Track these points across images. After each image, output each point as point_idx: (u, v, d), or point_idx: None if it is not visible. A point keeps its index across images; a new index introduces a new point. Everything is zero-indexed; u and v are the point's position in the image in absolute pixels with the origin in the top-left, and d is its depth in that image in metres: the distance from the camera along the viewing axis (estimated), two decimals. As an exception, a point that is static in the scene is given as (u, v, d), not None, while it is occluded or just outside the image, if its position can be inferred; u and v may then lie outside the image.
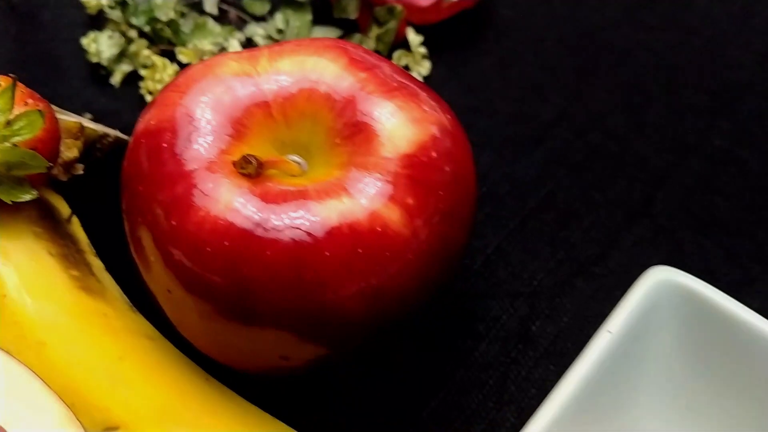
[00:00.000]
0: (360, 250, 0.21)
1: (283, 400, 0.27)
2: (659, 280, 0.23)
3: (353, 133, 0.22)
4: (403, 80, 0.23)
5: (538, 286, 0.31)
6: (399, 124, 0.22)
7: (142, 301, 0.26)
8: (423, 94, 0.23)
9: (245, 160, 0.21)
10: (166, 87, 0.24)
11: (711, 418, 0.24)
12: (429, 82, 0.37)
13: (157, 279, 0.22)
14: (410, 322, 0.26)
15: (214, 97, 0.23)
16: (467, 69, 0.37)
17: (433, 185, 0.22)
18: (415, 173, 0.22)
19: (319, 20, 0.37)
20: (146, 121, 0.23)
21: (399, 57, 0.36)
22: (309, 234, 0.20)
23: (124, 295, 0.26)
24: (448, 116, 0.24)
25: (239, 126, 0.22)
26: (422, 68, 0.36)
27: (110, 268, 0.27)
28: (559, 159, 0.35)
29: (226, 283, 0.21)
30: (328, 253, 0.21)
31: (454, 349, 0.30)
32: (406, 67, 0.36)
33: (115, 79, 0.36)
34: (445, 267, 0.24)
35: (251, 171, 0.21)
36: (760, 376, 0.23)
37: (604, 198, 0.34)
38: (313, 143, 0.23)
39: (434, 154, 0.22)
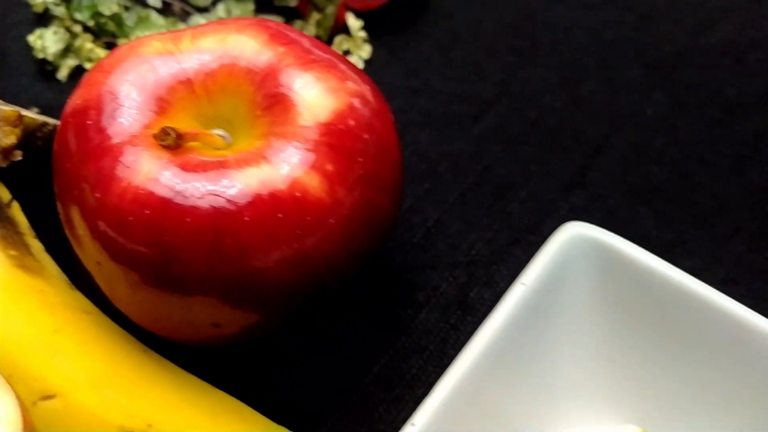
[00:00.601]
0: (280, 215, 0.22)
1: (226, 372, 0.28)
2: (572, 235, 0.24)
3: (272, 105, 0.23)
4: (322, 53, 0.24)
5: (477, 255, 0.32)
6: (316, 94, 0.23)
7: (86, 281, 0.27)
8: (342, 66, 0.24)
9: (164, 131, 0.21)
10: (93, 68, 0.24)
11: (633, 367, 0.25)
12: (371, 65, 0.37)
13: (88, 252, 0.23)
14: (343, 290, 0.27)
15: (137, 76, 0.23)
16: (408, 52, 0.38)
17: (352, 152, 0.23)
18: (333, 141, 0.23)
19: (261, 9, 0.38)
20: (73, 101, 0.24)
21: (340, 42, 0.37)
22: (228, 200, 0.21)
23: (64, 275, 0.27)
24: (368, 87, 0.24)
25: (162, 102, 0.23)
26: (363, 52, 0.37)
27: (52, 251, 0.28)
28: (497, 135, 0.36)
29: (149, 251, 0.21)
30: (247, 218, 0.21)
31: (395, 318, 0.31)
32: (347, 52, 0.37)
33: (62, 74, 0.36)
34: (372, 233, 0.25)
35: (170, 142, 0.21)
36: (676, 323, 0.24)
37: (540, 170, 0.35)
38: (235, 117, 0.24)
39: (352, 123, 0.23)
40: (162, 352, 0.27)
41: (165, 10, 0.38)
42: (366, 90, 0.24)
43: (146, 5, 0.38)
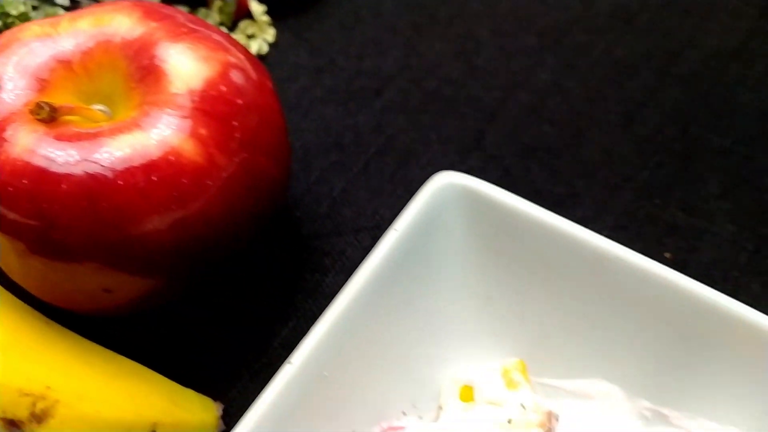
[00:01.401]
0: (154, 178, 0.23)
1: (135, 341, 0.29)
2: (442, 184, 0.25)
3: (145, 76, 0.24)
4: (195, 26, 0.25)
5: (380, 220, 0.34)
6: (187, 63, 0.24)
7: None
8: (214, 37, 0.25)
9: (38, 106, 0.23)
10: (-23, 56, 0.25)
11: (510, 303, 0.26)
12: (276, 48, 0.39)
13: (-23, 227, 0.24)
14: (243, 257, 0.28)
15: (17, 59, 0.25)
16: (311, 33, 0.40)
17: (226, 117, 0.24)
18: (205, 106, 0.24)
19: (165, 1, 0.39)
20: (-42, 87, 0.25)
21: (245, 27, 0.38)
22: (101, 166, 0.22)
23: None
24: (242, 56, 0.26)
25: (42, 82, 0.24)
26: (268, 36, 0.38)
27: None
28: (398, 107, 0.37)
29: (31, 220, 0.23)
30: (121, 183, 0.23)
31: (302, 282, 0.32)
32: (252, 36, 0.38)
33: (-27, 74, 0.37)
34: (258, 196, 0.26)
35: (45, 116, 0.23)
36: (545, 259, 0.25)
37: (439, 137, 0.36)
38: (114, 91, 0.25)
39: (224, 89, 0.24)
40: (71, 327, 0.28)
41: (72, 9, 0.39)
42: (239, 58, 0.25)
43: (54, 4, 0.39)
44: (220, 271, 0.28)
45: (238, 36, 0.38)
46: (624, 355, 0.26)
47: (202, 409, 0.27)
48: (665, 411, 0.25)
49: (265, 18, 0.38)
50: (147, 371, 0.27)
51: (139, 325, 0.30)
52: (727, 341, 0.25)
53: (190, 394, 0.28)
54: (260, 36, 0.38)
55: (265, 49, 0.38)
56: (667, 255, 0.33)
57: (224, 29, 0.38)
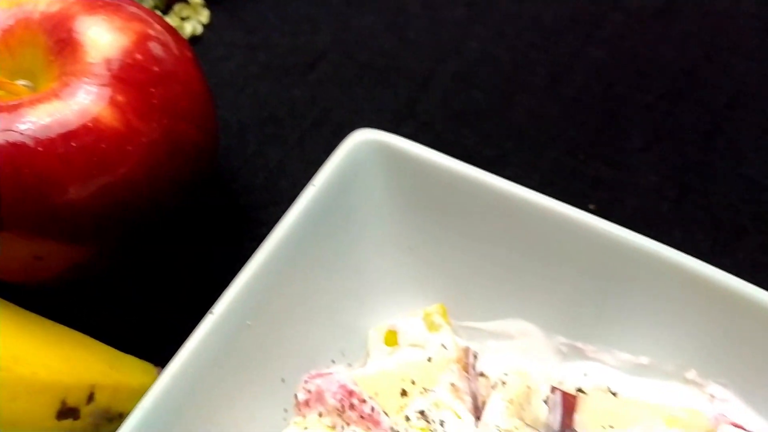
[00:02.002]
0: (73, 144, 0.24)
1: (71, 310, 0.30)
2: (359, 140, 0.26)
3: (63, 48, 0.25)
4: (112, 0, 0.26)
5: (315, 188, 0.35)
6: (102, 34, 0.25)
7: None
8: (130, 9, 0.26)
9: (-41, 80, 0.23)
10: None
11: (432, 253, 0.27)
12: (211, 29, 0.40)
13: None
14: (168, 222, 0.29)
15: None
16: (245, 12, 0.40)
17: (142, 83, 0.25)
18: (122, 74, 0.25)
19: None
20: None
21: (179, 10, 0.39)
22: (21, 134, 0.23)
23: None
24: (159, 27, 0.27)
25: (-35, 61, 0.25)
26: (202, 17, 0.39)
27: None
28: (332, 79, 0.38)
29: (-44, 190, 0.23)
30: (42, 150, 0.23)
31: (241, 251, 0.33)
32: (186, 18, 0.39)
33: None
34: (182, 162, 0.27)
35: (-36, 90, 0.23)
36: (461, 208, 0.27)
37: (372, 107, 0.37)
38: (36, 66, 0.26)
39: (140, 57, 0.25)
40: (8, 298, 0.29)
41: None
42: (155, 29, 0.26)
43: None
44: (157, 240, 0.29)
45: (171, 18, 0.39)
46: (541, 296, 0.27)
47: (141, 373, 0.28)
48: (580, 345, 0.26)
49: (199, 0, 0.39)
50: (85, 338, 0.28)
51: (77, 295, 0.30)
52: (638, 277, 0.26)
53: (129, 359, 0.28)
54: (194, 18, 0.39)
55: (199, 30, 0.39)
56: (591, 206, 0.34)
57: (158, 12, 0.39)
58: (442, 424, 0.23)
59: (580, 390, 0.25)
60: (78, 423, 0.26)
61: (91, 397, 0.26)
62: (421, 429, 0.22)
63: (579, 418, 0.22)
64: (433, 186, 0.27)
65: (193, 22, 0.39)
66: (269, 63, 0.39)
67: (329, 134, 0.36)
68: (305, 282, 0.26)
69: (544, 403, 0.25)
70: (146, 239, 0.28)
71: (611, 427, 0.21)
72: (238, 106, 0.37)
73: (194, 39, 0.39)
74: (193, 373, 0.23)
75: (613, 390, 0.24)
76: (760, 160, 0.36)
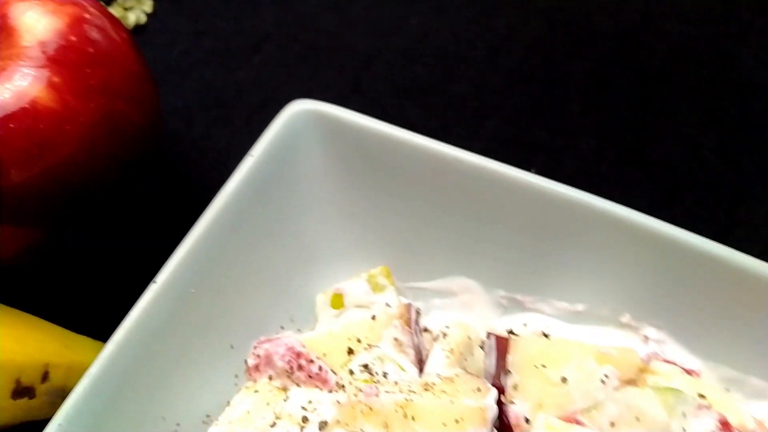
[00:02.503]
0: (12, 126, 0.24)
1: (23, 294, 0.30)
2: (296, 110, 0.27)
3: (-3, 34, 0.25)
4: (45, -14, 0.27)
5: (264, 167, 0.35)
6: (35, 18, 0.25)
7: None
8: (64, -6, 0.27)
9: None
10: None
11: (374, 218, 0.28)
12: (155, 18, 0.40)
13: None
14: (109, 198, 0.29)
15: None
16: (189, 0, 0.41)
17: (77, 64, 0.25)
18: (57, 56, 0.25)
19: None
20: None
21: (123, 1, 0.40)
22: (-42, 118, 0.24)
23: None
24: (93, 10, 0.27)
25: None
26: (145, 6, 0.40)
27: None
28: (277, 61, 0.39)
29: None
30: (-22, 131, 0.24)
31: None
32: (130, 8, 0.39)
33: None
34: (121, 141, 0.27)
35: None
36: (400, 172, 0.27)
37: (319, 86, 0.38)
38: (-26, 54, 0.26)
39: (74, 38, 0.26)
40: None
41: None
42: (90, 12, 0.27)
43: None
44: (104, 222, 0.29)
45: (115, 9, 0.39)
46: (482, 253, 0.28)
47: (94, 352, 0.28)
48: (519, 297, 0.27)
49: (143, -11, 0.40)
50: (37, 320, 0.28)
51: (29, 277, 0.31)
52: (574, 229, 0.27)
53: (81, 338, 0.29)
54: (138, 7, 0.39)
55: (143, 19, 0.39)
56: (533, 170, 0.35)
57: (102, 3, 0.39)
58: (385, 375, 0.23)
59: (511, 332, 0.26)
60: (34, 402, 0.27)
61: (45, 376, 0.27)
62: (365, 381, 0.23)
63: (512, 359, 0.22)
64: (371, 152, 0.27)
65: (137, 11, 0.39)
66: (214, 48, 0.39)
67: (274, 114, 0.37)
68: (249, 250, 0.26)
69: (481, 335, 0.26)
70: (92, 220, 0.28)
71: (543, 366, 0.22)
72: (185, 90, 0.38)
73: (139, 28, 0.39)
74: (140, 340, 0.23)
75: (546, 333, 0.25)
76: (695, 119, 0.37)
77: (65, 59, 0.25)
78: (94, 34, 0.26)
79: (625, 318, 0.26)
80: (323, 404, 0.22)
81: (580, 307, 0.27)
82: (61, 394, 0.28)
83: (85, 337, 0.29)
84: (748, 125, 0.36)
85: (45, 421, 0.23)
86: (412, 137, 0.27)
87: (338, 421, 0.22)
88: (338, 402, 0.22)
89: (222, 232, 0.25)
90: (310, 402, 0.22)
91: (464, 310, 0.27)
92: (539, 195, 0.27)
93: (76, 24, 0.26)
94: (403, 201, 0.28)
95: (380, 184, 0.28)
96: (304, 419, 0.22)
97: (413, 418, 0.21)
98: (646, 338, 0.26)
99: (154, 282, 0.24)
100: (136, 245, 0.33)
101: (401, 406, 0.21)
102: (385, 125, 0.27)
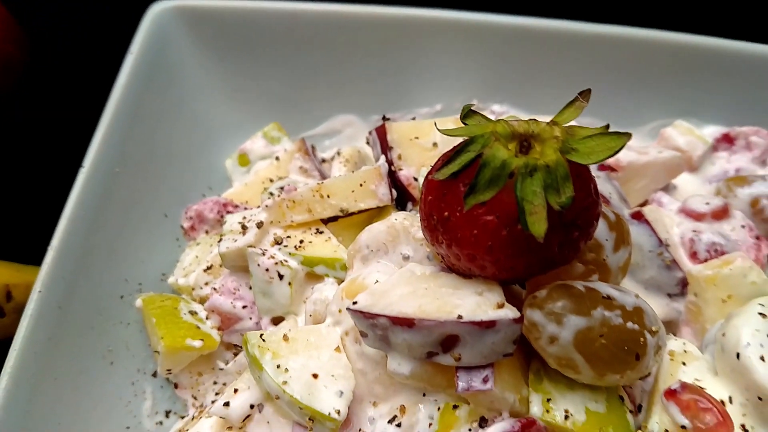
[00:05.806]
0: None
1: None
2: (160, 9, 0.31)
3: None
4: None
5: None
6: None
7: None
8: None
9: None
10: None
11: (258, 85, 0.33)
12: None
13: None
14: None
15: None
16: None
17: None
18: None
19: None
20: None
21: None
22: None
23: None
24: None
25: None
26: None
27: None
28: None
29: None
30: None
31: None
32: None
33: None
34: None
35: None
36: (270, 40, 0.32)
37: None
38: None
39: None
40: None
41: None
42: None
43: None
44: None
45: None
46: (353, 89, 0.33)
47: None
48: (389, 115, 0.33)
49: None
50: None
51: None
52: (423, 43, 0.32)
53: (30, 267, 0.32)
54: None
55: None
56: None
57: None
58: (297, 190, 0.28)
59: (384, 117, 0.31)
60: (6, 320, 0.30)
61: (9, 296, 0.30)
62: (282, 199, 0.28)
63: (391, 137, 0.28)
64: (237, 28, 0.32)
65: None
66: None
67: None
68: (156, 133, 0.30)
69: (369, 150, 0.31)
70: None
71: (417, 138, 0.28)
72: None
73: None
74: (84, 215, 0.26)
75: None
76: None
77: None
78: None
79: (474, 103, 0.32)
80: (255, 213, 0.27)
81: (438, 106, 0.33)
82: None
83: (30, 265, 0.32)
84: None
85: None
86: (268, 4, 0.32)
87: (271, 222, 0.26)
88: (267, 206, 0.26)
89: (126, 119, 0.29)
90: (244, 217, 0.27)
91: (351, 142, 0.33)
92: (387, 22, 0.32)
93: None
94: (277, 63, 0.33)
95: (253, 54, 0.33)
96: (243, 227, 0.26)
97: (328, 197, 0.26)
98: (493, 112, 0.32)
99: (82, 167, 0.27)
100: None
101: (316, 191, 0.26)
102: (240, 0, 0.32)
